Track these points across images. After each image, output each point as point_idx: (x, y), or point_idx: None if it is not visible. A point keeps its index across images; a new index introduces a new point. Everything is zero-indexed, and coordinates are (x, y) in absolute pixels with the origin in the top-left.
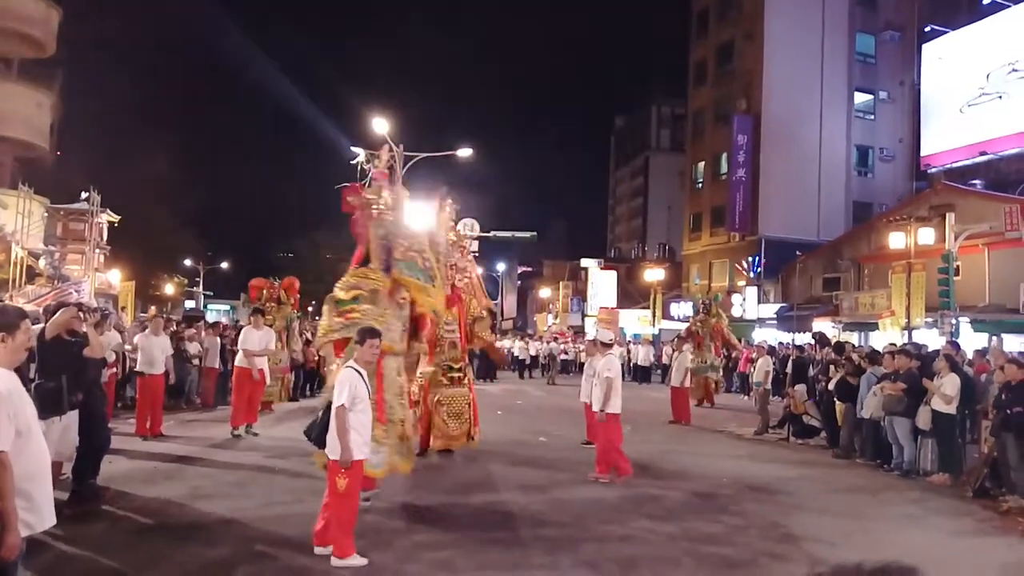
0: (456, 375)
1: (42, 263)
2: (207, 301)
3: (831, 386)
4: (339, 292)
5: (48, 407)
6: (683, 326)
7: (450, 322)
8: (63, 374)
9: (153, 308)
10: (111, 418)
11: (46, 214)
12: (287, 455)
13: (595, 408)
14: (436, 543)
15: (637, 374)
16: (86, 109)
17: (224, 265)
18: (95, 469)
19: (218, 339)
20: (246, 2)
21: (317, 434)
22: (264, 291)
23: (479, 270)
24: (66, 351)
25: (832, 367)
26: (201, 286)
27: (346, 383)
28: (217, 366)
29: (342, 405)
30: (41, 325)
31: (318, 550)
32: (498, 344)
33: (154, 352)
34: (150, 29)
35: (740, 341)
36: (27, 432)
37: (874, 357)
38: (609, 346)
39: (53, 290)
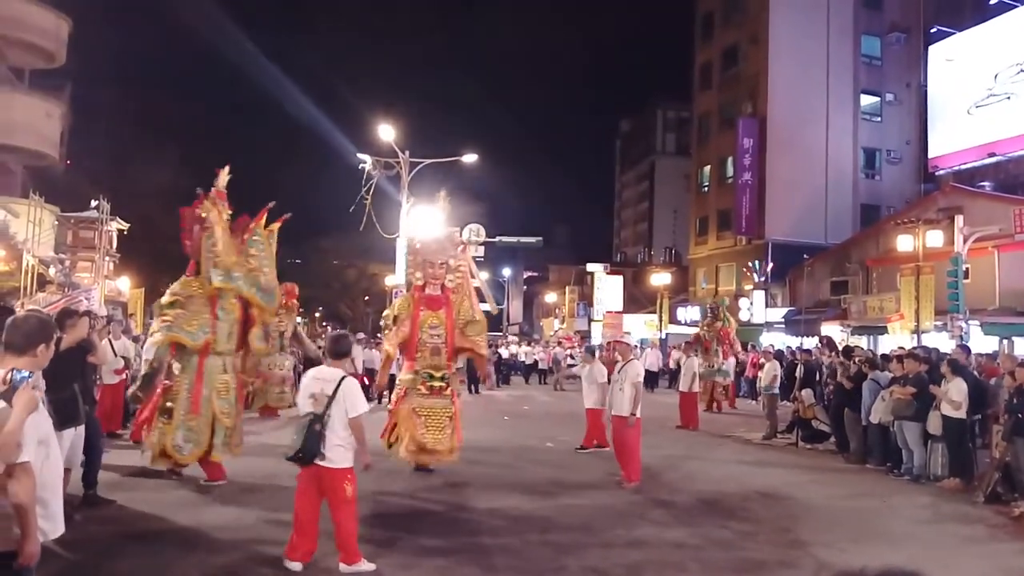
0: (437, 384)
1: (52, 271)
2: None
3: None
4: (164, 298)
5: (66, 417)
6: (690, 330)
7: (435, 325)
8: (74, 383)
9: None
10: (121, 426)
11: (56, 222)
12: (283, 461)
13: (623, 413)
14: (441, 548)
15: (646, 379)
16: (95, 118)
17: None
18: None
19: None
20: (254, 11)
21: (311, 446)
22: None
23: (484, 275)
24: (75, 360)
25: (839, 371)
26: None
27: (358, 392)
28: None
29: (363, 413)
30: None
31: (295, 565)
32: (503, 352)
33: None
34: (158, 39)
35: (748, 346)
36: (47, 441)
37: (875, 362)
38: (631, 348)
39: (63, 298)
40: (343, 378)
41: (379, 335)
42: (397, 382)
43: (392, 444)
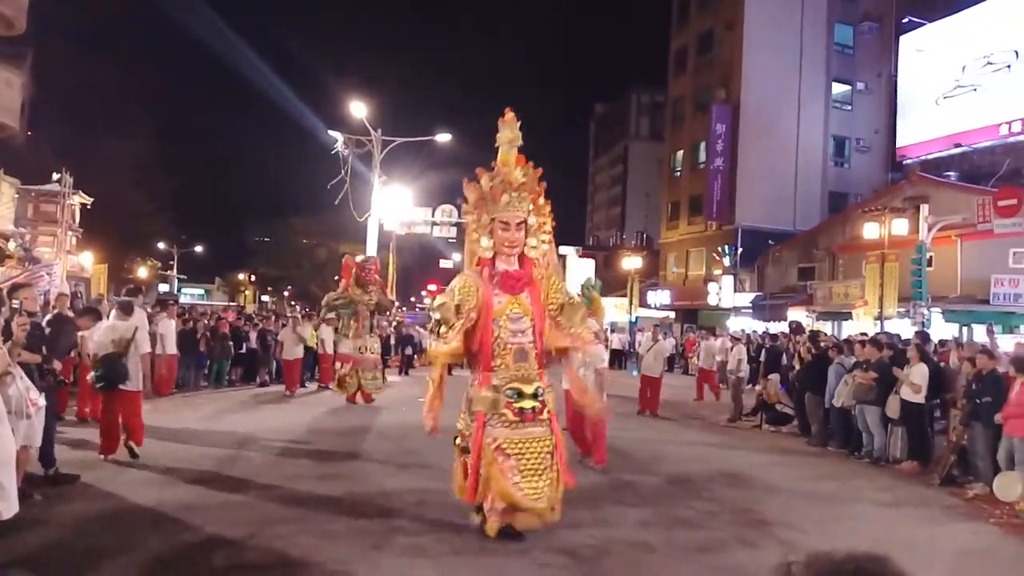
0: (529, 405)
1: (12, 245)
2: (181, 285)
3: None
4: None
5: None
6: (659, 314)
7: (517, 316)
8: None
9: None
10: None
11: (16, 195)
12: (248, 443)
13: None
14: (410, 528)
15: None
16: (58, 89)
17: (198, 249)
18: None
19: (172, 322)
20: None
21: (118, 375)
22: (355, 271)
23: (455, 256)
24: (32, 336)
25: (802, 352)
26: (175, 269)
27: (147, 336)
28: (174, 351)
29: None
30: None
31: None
32: None
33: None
34: (123, 8)
35: (715, 330)
36: (1, 421)
37: (842, 347)
38: (598, 336)
39: (24, 272)
40: (136, 328)
41: None
42: (470, 401)
43: (481, 507)
